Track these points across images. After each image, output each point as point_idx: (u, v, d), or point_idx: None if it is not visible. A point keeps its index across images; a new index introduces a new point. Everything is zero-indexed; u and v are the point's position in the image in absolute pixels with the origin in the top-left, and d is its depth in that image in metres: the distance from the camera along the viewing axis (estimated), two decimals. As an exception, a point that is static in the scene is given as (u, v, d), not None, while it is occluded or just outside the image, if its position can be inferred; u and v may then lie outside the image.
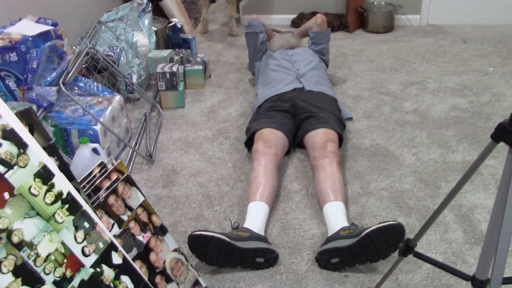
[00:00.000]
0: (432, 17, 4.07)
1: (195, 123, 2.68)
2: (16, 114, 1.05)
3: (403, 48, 3.62)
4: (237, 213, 1.97)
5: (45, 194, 1.06)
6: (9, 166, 1.00)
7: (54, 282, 1.05)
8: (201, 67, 3.06)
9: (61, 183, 1.10)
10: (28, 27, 2.20)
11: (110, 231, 1.24)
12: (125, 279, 1.22)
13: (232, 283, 1.66)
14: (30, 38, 2.12)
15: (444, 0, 3.98)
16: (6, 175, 0.99)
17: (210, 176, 2.22)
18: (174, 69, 2.77)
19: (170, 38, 3.52)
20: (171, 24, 3.49)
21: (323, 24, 2.91)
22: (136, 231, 1.33)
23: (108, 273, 1.18)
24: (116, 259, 1.21)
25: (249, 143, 2.28)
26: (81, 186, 1.21)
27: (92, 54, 2.54)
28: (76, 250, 1.11)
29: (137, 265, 1.28)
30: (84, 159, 1.90)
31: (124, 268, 1.23)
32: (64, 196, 1.10)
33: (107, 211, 1.26)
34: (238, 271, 1.70)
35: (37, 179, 1.05)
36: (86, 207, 1.15)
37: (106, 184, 1.29)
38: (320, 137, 2.13)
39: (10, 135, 1.01)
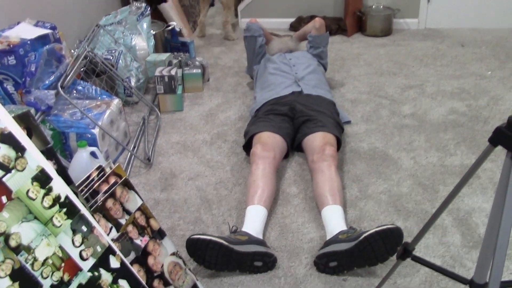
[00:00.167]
0: (430, 21, 4.08)
1: (194, 126, 2.68)
2: (14, 117, 1.05)
3: (401, 51, 3.62)
4: (235, 217, 1.97)
5: (43, 197, 1.06)
6: (7, 169, 1.00)
7: (52, 286, 1.05)
8: (199, 70, 3.06)
9: (59, 187, 1.10)
10: (26, 31, 2.20)
11: (108, 235, 1.24)
12: (123, 283, 1.22)
13: (231, 287, 1.65)
14: (29, 42, 2.12)
15: (442, 4, 4.00)
16: (3, 179, 0.99)
17: (209, 179, 2.22)
18: (173, 72, 2.77)
19: (169, 42, 3.52)
20: (170, 27, 3.49)
21: (322, 27, 2.92)
22: (134, 234, 1.33)
23: (106, 277, 1.18)
24: (114, 263, 1.21)
25: (248, 146, 2.28)
26: (79, 189, 1.21)
27: (90, 58, 2.54)
28: (74, 254, 1.11)
29: (135, 269, 1.28)
30: (82, 163, 1.89)
31: (122, 272, 1.22)
32: (62, 199, 1.10)
33: (105, 214, 1.26)
34: (236, 275, 1.70)
35: (35, 183, 1.05)
36: (84, 210, 1.15)
37: (104, 187, 1.28)
38: (318, 141, 2.13)
39: (8, 139, 1.01)
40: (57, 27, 2.34)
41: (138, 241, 1.34)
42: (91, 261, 1.14)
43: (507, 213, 0.94)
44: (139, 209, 1.37)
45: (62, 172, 1.12)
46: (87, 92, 2.40)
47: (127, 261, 1.26)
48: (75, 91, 2.37)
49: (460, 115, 2.66)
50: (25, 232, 1.01)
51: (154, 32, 3.26)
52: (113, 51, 2.88)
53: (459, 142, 2.41)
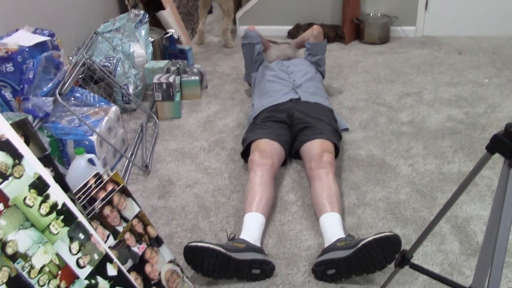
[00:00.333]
0: (428, 28, 4.10)
1: (192, 133, 2.68)
2: (12, 124, 1.05)
3: (399, 59, 3.63)
4: (233, 224, 1.97)
5: (40, 205, 1.06)
6: (4, 177, 1.00)
7: (48, 294, 1.04)
8: (197, 77, 3.07)
9: (56, 194, 1.10)
10: (24, 38, 2.20)
11: (105, 242, 1.24)
12: (120, 291, 1.22)
13: (228, 295, 1.65)
14: (27, 49, 2.12)
15: (439, 11, 4.02)
16: (0, 186, 0.99)
17: (206, 187, 2.21)
18: (171, 79, 2.77)
19: (167, 49, 3.53)
20: (168, 34, 3.50)
21: (319, 35, 2.93)
22: (132, 242, 1.33)
23: (103, 285, 1.17)
24: (111, 270, 1.20)
25: (246, 153, 2.28)
26: (77, 197, 1.21)
27: (88, 65, 2.54)
28: (71, 261, 1.10)
29: (132, 276, 1.28)
30: (80, 170, 1.89)
31: (119, 280, 1.22)
32: (59, 207, 1.10)
33: (102, 222, 1.25)
34: (234, 282, 1.69)
35: (32, 190, 1.04)
36: (81, 218, 1.15)
37: (102, 195, 1.28)
38: (316, 148, 2.13)
39: (5, 146, 1.01)
40: (56, 34, 2.34)
41: (135, 249, 1.33)
42: (88, 269, 1.14)
43: (505, 221, 0.94)
44: (136, 216, 1.37)
45: (60, 179, 1.12)
46: (85, 99, 2.40)
47: (124, 269, 1.25)
48: (73, 98, 2.37)
49: (457, 123, 2.66)
50: (22, 239, 1.01)
51: (152, 39, 3.27)
52: (111, 58, 2.89)
53: (457, 149, 2.41)
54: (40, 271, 1.03)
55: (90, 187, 1.27)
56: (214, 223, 1.98)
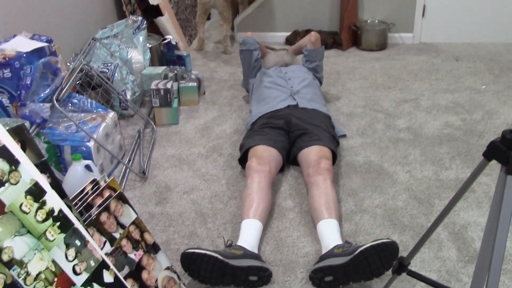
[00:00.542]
0: (425, 35, 4.12)
1: (189, 140, 2.68)
2: (8, 130, 1.04)
3: (396, 66, 3.64)
4: (230, 231, 1.96)
5: (36, 211, 1.05)
6: (0, 183, 0.99)
7: (44, 301, 1.04)
8: (195, 84, 3.07)
9: (53, 200, 1.09)
10: (22, 44, 2.21)
11: (101, 249, 1.23)
12: (116, 298, 1.21)
13: (225, 302, 1.64)
14: (24, 55, 2.12)
15: (436, 18, 4.03)
16: (-3, 193, 0.98)
17: (204, 193, 2.21)
18: (168, 86, 2.77)
19: (165, 55, 3.54)
20: (166, 41, 3.51)
21: (317, 42, 2.94)
22: (128, 249, 1.32)
23: (99, 292, 1.17)
24: (108, 277, 1.20)
25: (243, 160, 2.28)
26: (73, 203, 1.20)
27: (86, 71, 2.55)
28: (67, 268, 1.10)
29: (128, 283, 1.27)
30: (77, 176, 1.88)
31: (116, 287, 1.21)
32: (56, 213, 1.09)
33: (99, 228, 1.25)
34: (231, 289, 1.68)
35: (28, 196, 1.04)
36: (77, 224, 1.14)
37: (99, 201, 1.28)
38: (314, 154, 2.13)
39: (2, 152, 1.01)
40: (53, 40, 2.34)
41: (132, 255, 1.33)
42: (84, 276, 1.13)
43: (502, 228, 0.94)
44: (133, 223, 1.37)
45: (56, 185, 1.12)
46: (83, 105, 2.40)
47: (120, 276, 1.25)
48: (70, 104, 2.37)
49: (455, 129, 2.67)
50: (18, 246, 1.00)
51: (150, 46, 3.27)
52: (109, 64, 2.89)
53: (454, 156, 2.42)
54: (36, 278, 1.03)
55: (87, 193, 1.27)
56: (211, 229, 1.98)
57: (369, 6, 4.07)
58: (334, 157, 2.23)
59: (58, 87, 2.21)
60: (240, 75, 3.29)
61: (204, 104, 3.11)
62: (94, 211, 1.25)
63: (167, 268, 1.45)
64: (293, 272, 1.75)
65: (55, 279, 1.07)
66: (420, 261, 1.76)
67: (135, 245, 1.35)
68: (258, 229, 1.84)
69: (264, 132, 2.31)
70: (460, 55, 3.81)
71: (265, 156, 2.13)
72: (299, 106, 2.48)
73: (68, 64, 2.74)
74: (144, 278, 1.34)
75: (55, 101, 2.10)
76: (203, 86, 3.24)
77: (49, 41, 2.30)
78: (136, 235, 1.36)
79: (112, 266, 1.22)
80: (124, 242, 1.31)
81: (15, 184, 1.02)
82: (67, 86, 2.25)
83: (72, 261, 1.11)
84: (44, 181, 1.08)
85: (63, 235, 1.10)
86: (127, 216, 1.35)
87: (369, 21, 4.07)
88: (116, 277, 1.22)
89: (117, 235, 1.29)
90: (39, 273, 1.04)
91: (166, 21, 3.76)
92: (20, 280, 1.00)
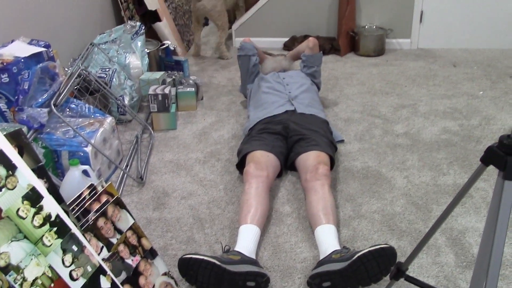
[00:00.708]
0: (422, 41, 4.13)
1: (187, 145, 2.67)
2: (6, 135, 1.04)
3: (394, 71, 3.65)
4: (228, 236, 1.96)
5: (33, 216, 1.05)
6: (-3, 188, 0.99)
7: (41, 307, 1.03)
8: (193, 89, 3.07)
9: (50, 206, 1.09)
10: (20, 49, 2.21)
11: (98, 254, 1.23)
12: (113, 303, 1.20)
13: (223, 308, 1.63)
14: (22, 60, 2.12)
15: (434, 24, 4.05)
16: (-7, 198, 0.98)
17: (201, 198, 2.21)
18: (166, 91, 2.78)
19: (163, 60, 3.54)
20: (164, 46, 3.51)
21: (315, 47, 2.94)
22: (125, 254, 1.32)
23: (96, 298, 1.16)
24: (105, 283, 1.19)
25: (241, 165, 2.28)
26: (70, 208, 1.20)
27: (84, 76, 2.55)
28: (64, 274, 1.09)
29: (126, 289, 1.27)
30: (74, 181, 1.88)
31: (113, 292, 1.21)
32: (53, 218, 1.09)
33: (96, 234, 1.25)
34: (228, 295, 1.68)
35: (25, 202, 1.04)
36: (74, 230, 1.14)
37: (96, 206, 1.27)
38: (311, 160, 2.13)
39: (-1, 157, 1.00)
40: (51, 45, 2.34)
41: (129, 261, 1.32)
42: (81, 281, 1.13)
43: (500, 233, 0.94)
44: (130, 228, 1.36)
45: (53, 190, 1.12)
46: (80, 110, 2.40)
47: (118, 281, 1.24)
48: (68, 109, 2.37)
49: (452, 135, 2.67)
50: (14, 251, 1.00)
51: (148, 51, 3.28)
52: (107, 70, 2.89)
53: (452, 161, 2.42)
54: (32, 284, 1.02)
55: (84, 198, 1.26)
56: (209, 235, 1.97)
57: (367, 12, 4.08)
58: (332, 163, 2.23)
59: (56, 92, 2.21)
60: (238, 80, 3.29)
61: (202, 109, 3.11)
62: (91, 217, 1.25)
63: (165, 274, 1.44)
64: (290, 277, 1.74)
65: (52, 285, 1.06)
66: (418, 267, 1.76)
67: (133, 250, 1.34)
68: (256, 234, 1.83)
69: (262, 137, 2.31)
70: (457, 61, 3.82)
71: (263, 161, 2.13)
72: (297, 111, 2.48)
73: (66, 69, 2.74)
74: (141, 284, 1.34)
75: (52, 106, 2.10)
76: (201, 92, 3.25)
77: (47, 46, 2.30)
78: (133, 240, 1.35)
79: (109, 272, 1.21)
80: (121, 247, 1.31)
81: (12, 189, 1.02)
82: (65, 91, 2.25)
83: (69, 266, 1.11)
84: (41, 186, 1.08)
85: (60, 240, 1.10)
86: (125, 221, 1.34)
87: (366, 26, 4.08)
88: (113, 283, 1.21)
89: (114, 241, 1.29)
90: (36, 278, 1.03)
91: (164, 26, 3.77)
92: (17, 286, 0.99)
